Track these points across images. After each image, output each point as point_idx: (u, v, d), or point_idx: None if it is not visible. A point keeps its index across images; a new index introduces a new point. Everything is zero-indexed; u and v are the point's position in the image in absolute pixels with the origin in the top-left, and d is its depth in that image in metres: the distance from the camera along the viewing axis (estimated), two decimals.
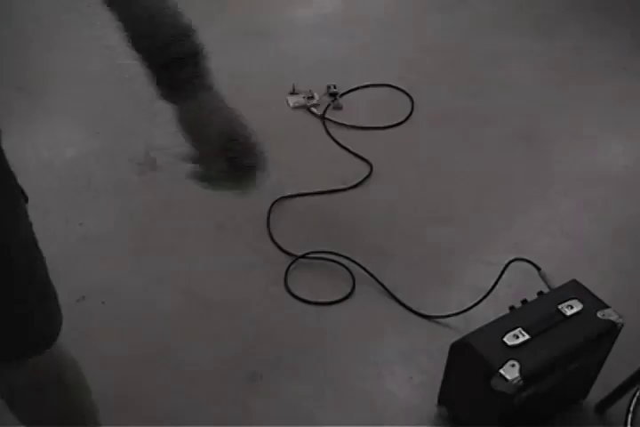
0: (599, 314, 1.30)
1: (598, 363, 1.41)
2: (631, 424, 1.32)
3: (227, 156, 0.98)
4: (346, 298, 1.72)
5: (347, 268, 1.78)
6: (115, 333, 1.64)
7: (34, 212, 2.03)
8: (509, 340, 1.25)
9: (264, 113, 2.28)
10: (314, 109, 2.28)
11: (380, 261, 1.80)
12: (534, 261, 1.55)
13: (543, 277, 1.50)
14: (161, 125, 2.21)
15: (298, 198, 1.98)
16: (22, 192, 1.13)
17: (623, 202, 1.99)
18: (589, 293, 1.35)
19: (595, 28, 2.68)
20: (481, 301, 1.63)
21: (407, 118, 2.26)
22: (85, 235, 1.87)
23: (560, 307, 1.31)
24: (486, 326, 1.30)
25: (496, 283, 1.60)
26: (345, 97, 2.34)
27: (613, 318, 1.30)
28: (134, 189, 2.00)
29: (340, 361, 1.59)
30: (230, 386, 1.53)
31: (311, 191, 1.99)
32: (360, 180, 2.03)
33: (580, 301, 1.32)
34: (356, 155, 2.12)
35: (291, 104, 2.31)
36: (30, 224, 1.03)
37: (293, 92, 2.34)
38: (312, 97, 2.32)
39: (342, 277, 1.77)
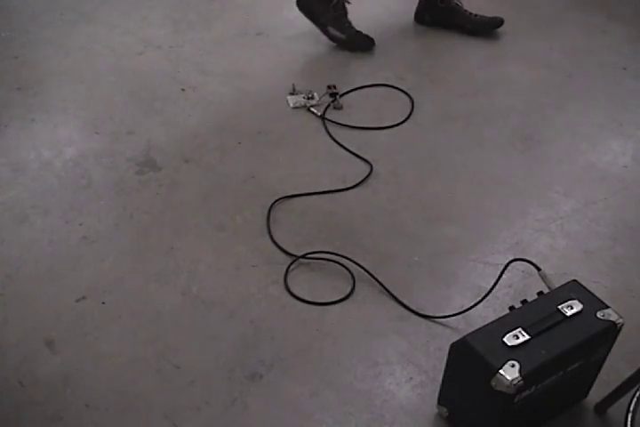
0: (599, 314, 1.30)
1: (598, 363, 1.41)
2: (631, 424, 1.31)
3: None
4: (346, 298, 1.72)
5: (347, 268, 1.79)
6: (115, 333, 1.64)
7: (34, 212, 2.04)
8: (509, 340, 1.25)
9: (264, 113, 2.29)
10: (314, 109, 2.28)
11: (380, 261, 1.80)
12: (534, 261, 1.55)
13: (543, 278, 1.50)
14: (161, 125, 2.22)
15: (298, 198, 1.98)
16: None
17: (623, 202, 1.99)
18: (589, 293, 1.35)
19: (595, 28, 2.69)
20: (481, 301, 1.63)
21: (407, 118, 2.26)
22: (85, 235, 1.87)
23: (560, 307, 1.31)
24: (486, 326, 1.30)
25: (496, 283, 1.60)
26: (345, 97, 2.35)
27: (613, 318, 1.30)
28: (134, 189, 2.01)
29: (339, 361, 1.59)
30: (230, 386, 1.53)
31: (311, 191, 1.99)
32: (360, 180, 2.03)
33: (580, 301, 1.32)
34: (356, 155, 2.12)
35: (291, 104, 2.31)
36: None
37: (293, 92, 2.34)
38: (312, 97, 2.32)
39: (342, 277, 1.77)
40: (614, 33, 2.65)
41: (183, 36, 2.64)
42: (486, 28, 2.60)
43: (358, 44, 2.56)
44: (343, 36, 2.55)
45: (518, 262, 1.58)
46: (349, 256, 1.80)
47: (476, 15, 2.60)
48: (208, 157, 2.11)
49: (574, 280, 1.38)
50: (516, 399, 1.24)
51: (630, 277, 1.77)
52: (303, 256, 1.81)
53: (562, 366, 1.29)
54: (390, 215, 1.94)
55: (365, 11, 2.76)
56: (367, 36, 2.57)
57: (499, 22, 2.60)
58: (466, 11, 2.61)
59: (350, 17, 2.55)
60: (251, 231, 1.88)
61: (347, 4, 2.55)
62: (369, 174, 2.05)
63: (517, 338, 1.25)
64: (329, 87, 2.35)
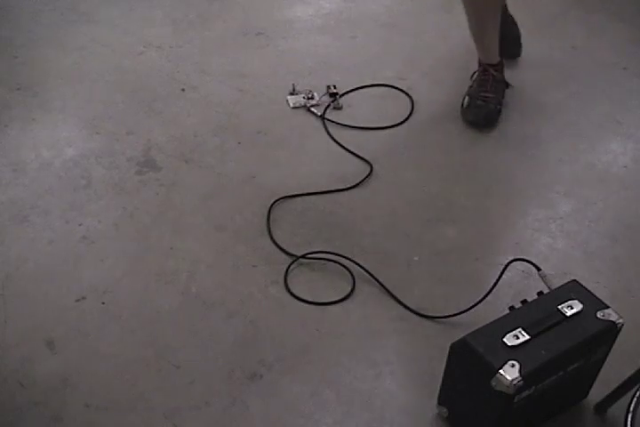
0: (599, 314, 1.30)
1: (598, 363, 1.41)
2: (631, 424, 1.31)
3: None
4: (346, 298, 1.72)
5: (347, 268, 1.79)
6: (115, 333, 1.64)
7: (34, 212, 2.04)
8: (509, 340, 1.25)
9: (264, 113, 2.29)
10: (314, 109, 2.28)
11: (380, 261, 1.80)
12: (534, 261, 1.55)
13: (543, 278, 1.50)
14: (161, 125, 2.22)
15: (298, 198, 1.98)
16: None
17: (623, 202, 1.99)
18: (589, 293, 1.35)
19: (595, 27, 2.68)
20: (481, 301, 1.63)
21: (407, 118, 2.26)
22: (85, 235, 1.87)
23: (560, 307, 1.31)
24: (486, 326, 1.30)
25: (496, 283, 1.60)
26: (345, 97, 2.35)
27: (613, 318, 1.30)
28: (134, 189, 2.01)
29: (339, 361, 1.59)
30: (230, 386, 1.53)
31: (311, 191, 1.99)
32: (360, 180, 2.03)
33: (580, 301, 1.32)
34: (356, 155, 2.12)
35: (291, 104, 2.31)
36: None
37: (293, 92, 2.34)
38: (312, 97, 2.32)
39: (342, 277, 1.77)
40: (615, 33, 2.65)
41: (183, 36, 2.64)
42: None
43: (469, 116, 2.22)
44: (463, 103, 2.25)
45: (518, 262, 1.58)
46: (349, 256, 1.80)
47: None
48: (208, 157, 2.11)
49: (574, 280, 1.38)
50: (516, 399, 1.24)
51: (630, 278, 1.77)
52: (303, 256, 1.80)
53: (562, 367, 1.29)
54: (390, 215, 1.94)
55: (365, 11, 2.76)
56: (491, 113, 2.21)
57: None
58: None
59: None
60: (251, 231, 1.88)
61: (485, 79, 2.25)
62: (369, 174, 2.05)
63: (517, 338, 1.25)
64: (329, 87, 2.35)
